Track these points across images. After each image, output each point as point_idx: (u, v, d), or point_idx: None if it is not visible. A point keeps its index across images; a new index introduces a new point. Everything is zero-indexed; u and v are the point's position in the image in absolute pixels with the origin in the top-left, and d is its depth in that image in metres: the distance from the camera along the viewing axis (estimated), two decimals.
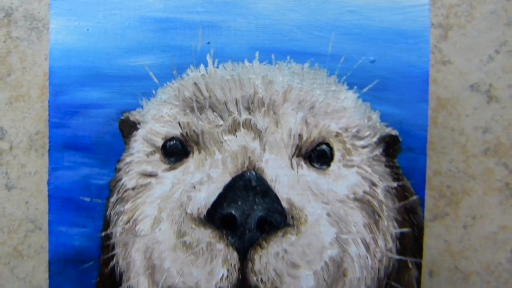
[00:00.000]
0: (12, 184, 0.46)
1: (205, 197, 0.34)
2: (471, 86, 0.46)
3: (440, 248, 0.46)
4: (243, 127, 0.37)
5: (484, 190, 0.46)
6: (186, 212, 0.35)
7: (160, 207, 0.37)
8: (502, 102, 0.46)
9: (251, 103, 0.37)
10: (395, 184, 0.38)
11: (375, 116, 0.38)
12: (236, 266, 0.33)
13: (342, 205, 0.36)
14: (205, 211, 0.34)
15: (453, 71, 0.46)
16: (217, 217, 0.33)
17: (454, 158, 0.46)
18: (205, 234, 0.34)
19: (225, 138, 0.37)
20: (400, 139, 0.38)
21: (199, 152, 0.37)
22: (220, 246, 0.33)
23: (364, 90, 0.38)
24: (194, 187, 0.36)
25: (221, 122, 0.37)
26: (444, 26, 0.46)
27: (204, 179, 0.36)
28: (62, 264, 0.37)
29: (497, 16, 0.46)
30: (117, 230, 0.37)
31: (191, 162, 0.37)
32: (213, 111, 0.37)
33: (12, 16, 0.46)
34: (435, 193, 0.46)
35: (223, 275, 0.33)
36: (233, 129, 0.37)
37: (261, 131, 0.36)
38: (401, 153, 0.39)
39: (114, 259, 0.37)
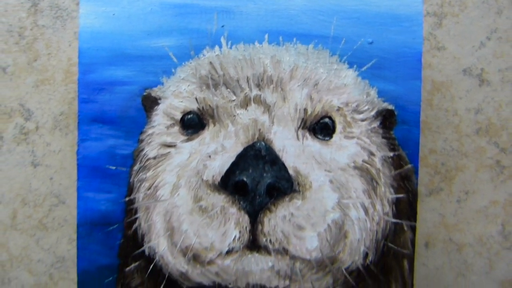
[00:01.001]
0: (38, 162, 0.48)
1: (219, 165, 0.36)
2: (464, 70, 0.47)
3: (435, 221, 0.48)
4: (253, 102, 0.38)
5: (476, 167, 0.48)
6: (202, 179, 0.36)
7: (178, 175, 0.38)
8: (493, 85, 0.47)
9: (261, 80, 0.38)
10: (391, 154, 0.39)
11: (373, 92, 0.39)
12: (247, 228, 0.35)
13: (343, 172, 0.38)
14: (219, 178, 0.35)
15: (447, 56, 0.47)
16: (230, 183, 0.34)
17: (448, 137, 0.48)
18: (219, 199, 0.35)
19: (238, 112, 0.38)
20: (396, 113, 0.39)
21: (214, 125, 0.39)
22: (233, 210, 0.35)
23: (363, 68, 0.39)
24: (210, 156, 0.37)
25: (234, 97, 0.38)
26: (439, 14, 0.47)
27: (218, 149, 0.37)
28: (89, 227, 0.39)
29: (488, 5, 0.47)
30: (139, 195, 0.39)
31: (207, 134, 0.39)
32: (227, 87, 0.38)
33: (39, 6, 0.48)
34: (430, 170, 0.47)
35: (235, 236, 0.35)
36: (245, 104, 0.38)
37: (270, 106, 0.38)
38: (396, 126, 0.39)
39: (137, 222, 0.39)
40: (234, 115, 0.38)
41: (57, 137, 0.48)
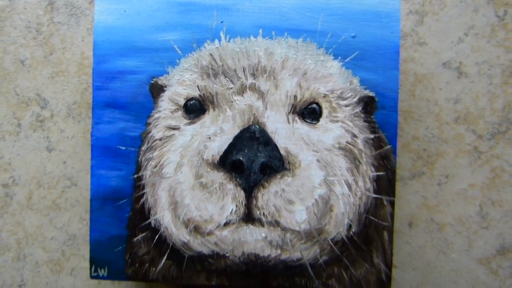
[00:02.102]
0: (52, 147, 0.50)
1: (218, 146, 0.38)
2: (444, 64, 0.49)
3: (418, 202, 0.49)
4: (249, 89, 0.40)
5: (456, 152, 0.49)
6: (203, 158, 0.39)
7: (181, 154, 0.40)
8: (470, 77, 0.49)
9: (256, 70, 0.40)
10: (372, 136, 0.41)
11: (356, 81, 0.41)
12: (243, 203, 0.37)
13: (329, 153, 0.40)
14: (218, 157, 0.38)
15: (428, 51, 0.49)
16: (228, 162, 0.37)
17: (429, 125, 0.49)
18: (218, 176, 0.38)
19: (235, 98, 0.40)
20: (376, 99, 0.41)
21: (214, 110, 0.41)
22: (230, 186, 0.37)
23: (347, 60, 0.41)
24: (210, 138, 0.39)
25: (232, 85, 0.40)
26: (420, 13, 0.49)
27: (217, 131, 0.39)
28: (101, 201, 0.41)
29: (466, 4, 0.49)
30: (147, 173, 0.41)
31: (207, 118, 0.41)
32: (225, 76, 0.40)
33: (55, 4, 0.50)
34: (413, 155, 0.49)
35: (232, 209, 0.38)
36: (241, 91, 0.40)
37: (264, 93, 0.40)
38: (376, 111, 0.41)
39: (144, 196, 0.41)
40: (232, 101, 0.40)
41: (70, 124, 0.50)
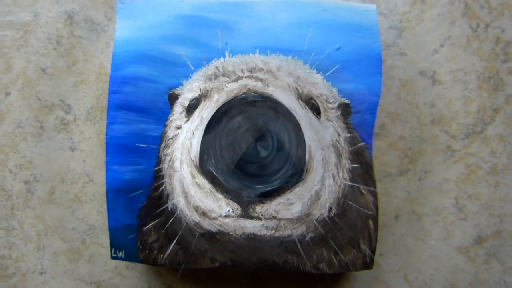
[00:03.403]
0: (74, 147, 0.53)
1: (195, 143, 0.37)
2: (420, 72, 0.52)
3: (403, 197, 0.52)
4: (245, 78, 0.40)
5: (432, 151, 0.52)
6: (191, 158, 0.39)
7: (181, 152, 0.42)
8: (444, 84, 0.53)
9: (253, 69, 0.42)
10: (349, 135, 0.44)
11: (335, 90, 0.44)
12: (238, 209, 0.38)
13: (327, 150, 0.42)
14: (197, 162, 0.36)
15: (408, 60, 0.53)
16: (206, 172, 0.36)
17: (413, 126, 0.52)
18: (205, 183, 0.38)
19: (227, 86, 0.40)
20: (351, 105, 0.44)
21: (204, 101, 0.41)
22: (219, 196, 0.37)
23: (327, 74, 0.43)
24: (193, 133, 0.39)
25: (228, 79, 0.41)
26: (399, 28, 0.53)
27: (198, 124, 0.39)
28: (115, 193, 0.44)
29: (443, 17, 0.53)
30: (165, 166, 0.43)
31: (197, 111, 0.41)
32: (224, 76, 0.42)
33: (74, 18, 0.54)
34: (400, 153, 0.52)
35: (229, 210, 0.39)
36: (236, 80, 0.40)
37: (263, 79, 0.39)
38: (351, 115, 0.44)
39: (163, 185, 0.44)
40: (223, 88, 0.39)
41: (89, 127, 0.54)
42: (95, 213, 0.54)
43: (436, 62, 0.53)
